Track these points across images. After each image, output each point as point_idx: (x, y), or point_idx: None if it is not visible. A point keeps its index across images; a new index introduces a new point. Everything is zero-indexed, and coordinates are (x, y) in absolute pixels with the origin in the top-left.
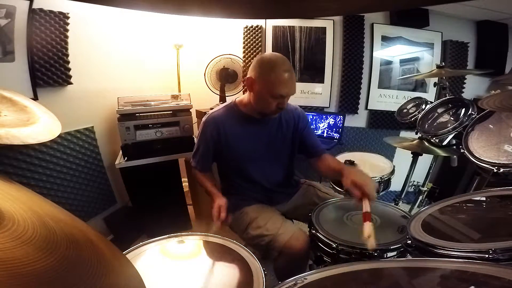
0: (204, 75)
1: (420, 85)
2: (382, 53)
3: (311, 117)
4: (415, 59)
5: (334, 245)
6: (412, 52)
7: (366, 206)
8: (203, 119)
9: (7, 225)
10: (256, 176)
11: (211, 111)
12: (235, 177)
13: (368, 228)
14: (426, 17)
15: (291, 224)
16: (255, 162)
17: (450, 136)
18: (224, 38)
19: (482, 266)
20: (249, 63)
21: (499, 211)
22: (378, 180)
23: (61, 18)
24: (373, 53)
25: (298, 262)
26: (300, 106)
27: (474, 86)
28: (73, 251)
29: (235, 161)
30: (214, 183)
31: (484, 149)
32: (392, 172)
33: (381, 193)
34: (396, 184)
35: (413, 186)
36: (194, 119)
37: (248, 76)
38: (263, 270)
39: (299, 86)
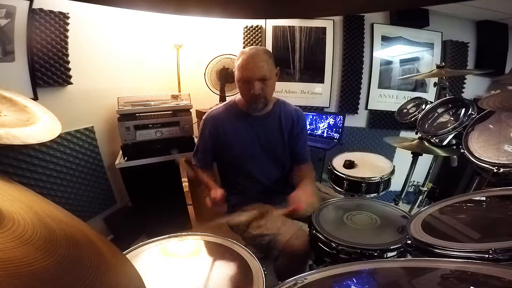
0: (204, 75)
1: (420, 85)
2: (382, 53)
3: (311, 117)
4: (415, 59)
5: (334, 245)
6: (412, 52)
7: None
8: (203, 117)
9: (7, 225)
10: (255, 174)
11: (210, 110)
12: (234, 175)
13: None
14: (426, 17)
15: (291, 223)
16: (254, 160)
17: (450, 136)
18: (224, 38)
19: (482, 266)
20: None
21: (499, 211)
22: (378, 180)
23: (61, 18)
24: (373, 53)
25: (298, 262)
26: (300, 106)
27: (474, 86)
28: (73, 251)
29: (234, 159)
30: (213, 178)
31: (484, 149)
32: (392, 172)
33: (381, 193)
34: (396, 184)
35: (413, 186)
36: (194, 119)
37: (233, 69)
38: (263, 270)
39: (299, 86)
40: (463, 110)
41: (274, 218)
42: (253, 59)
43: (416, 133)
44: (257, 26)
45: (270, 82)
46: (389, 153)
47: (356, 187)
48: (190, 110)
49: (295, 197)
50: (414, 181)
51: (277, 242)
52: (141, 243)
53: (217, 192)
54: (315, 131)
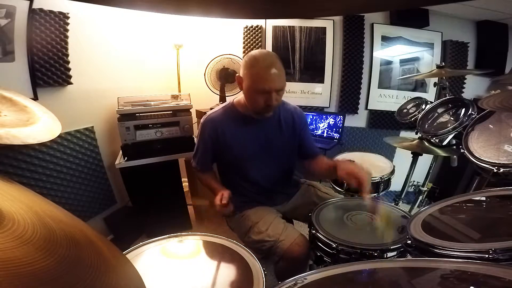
0: (204, 75)
1: (420, 85)
2: (382, 53)
3: (311, 117)
4: (415, 59)
5: (334, 245)
6: (412, 52)
7: (365, 195)
8: (202, 120)
9: (7, 225)
10: (255, 176)
11: (209, 112)
12: (234, 177)
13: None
14: (426, 17)
15: (292, 229)
16: (253, 162)
17: (450, 136)
18: (224, 38)
19: (482, 266)
20: None
21: (499, 211)
22: (378, 180)
23: (61, 18)
24: (373, 53)
25: (299, 266)
26: (300, 106)
27: (474, 86)
28: (73, 251)
29: (234, 161)
30: (217, 180)
31: (484, 149)
32: (392, 172)
33: (381, 193)
34: (396, 184)
35: (413, 186)
36: (194, 119)
37: (237, 74)
38: (263, 270)
39: (299, 86)
40: (463, 110)
41: (276, 223)
42: (272, 69)
43: (416, 133)
44: (257, 26)
45: (284, 91)
46: (389, 153)
47: (356, 187)
48: (190, 110)
49: (351, 169)
50: (414, 181)
51: (278, 249)
52: (141, 243)
53: (224, 194)
54: (315, 131)
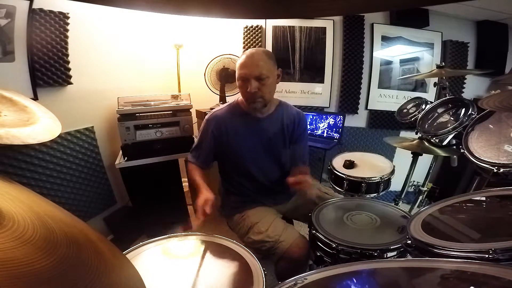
0: (204, 75)
1: (420, 85)
2: (382, 53)
3: (311, 117)
4: (415, 59)
5: (334, 245)
6: (412, 52)
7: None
8: (206, 117)
9: (7, 225)
10: (256, 175)
11: (214, 110)
12: (236, 175)
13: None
14: (426, 17)
15: (292, 229)
16: (255, 161)
17: (450, 136)
18: (224, 38)
19: (482, 266)
20: None
21: (499, 211)
22: (378, 180)
23: (61, 18)
24: (373, 53)
25: (298, 267)
26: (300, 106)
27: (474, 86)
28: (73, 251)
29: (235, 159)
30: (205, 178)
31: (484, 149)
32: (392, 172)
33: (381, 193)
34: (396, 184)
35: (413, 186)
36: (194, 119)
37: None
38: (263, 270)
39: (299, 86)
40: (463, 110)
41: (276, 223)
42: (251, 58)
43: (416, 133)
44: (257, 26)
45: (268, 81)
46: (389, 153)
47: (356, 187)
48: (190, 110)
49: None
50: (414, 181)
51: (278, 249)
52: (141, 243)
53: (207, 196)
54: (315, 131)
